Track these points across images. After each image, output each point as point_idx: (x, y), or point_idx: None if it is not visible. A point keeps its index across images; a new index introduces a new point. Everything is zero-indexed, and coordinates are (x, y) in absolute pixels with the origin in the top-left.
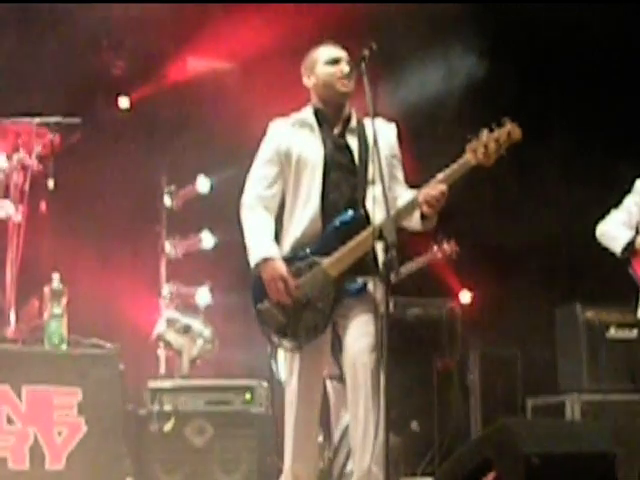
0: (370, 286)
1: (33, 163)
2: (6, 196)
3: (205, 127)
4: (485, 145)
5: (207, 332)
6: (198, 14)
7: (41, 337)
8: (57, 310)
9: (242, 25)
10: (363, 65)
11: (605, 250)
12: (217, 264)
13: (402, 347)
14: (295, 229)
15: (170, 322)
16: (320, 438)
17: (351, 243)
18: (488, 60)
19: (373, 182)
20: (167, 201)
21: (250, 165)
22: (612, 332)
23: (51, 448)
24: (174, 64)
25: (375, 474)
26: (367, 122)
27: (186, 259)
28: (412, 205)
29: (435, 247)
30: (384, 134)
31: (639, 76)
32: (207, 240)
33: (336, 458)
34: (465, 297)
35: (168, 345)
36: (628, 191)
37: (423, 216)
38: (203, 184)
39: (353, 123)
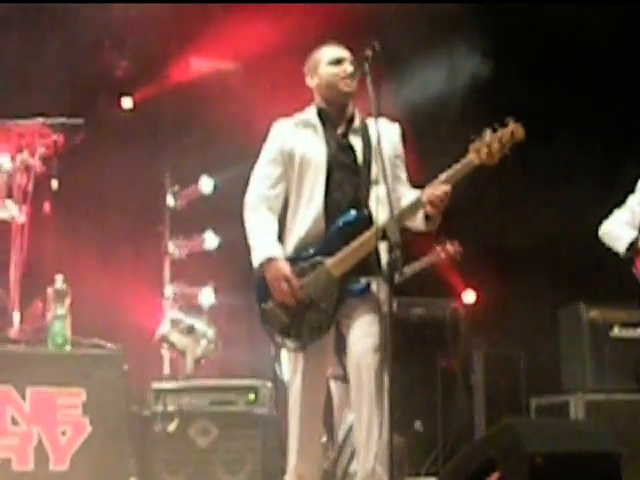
0: (373, 286)
1: (36, 164)
2: (10, 197)
3: (208, 127)
4: (488, 145)
5: (211, 332)
6: (201, 14)
7: (45, 338)
8: (61, 311)
9: (245, 25)
10: (366, 65)
11: (608, 250)
12: (221, 264)
13: (406, 347)
14: (298, 229)
15: (174, 322)
16: (324, 438)
17: (354, 243)
18: (491, 60)
19: (376, 182)
20: (170, 201)
21: (254, 165)
22: (616, 331)
23: (55, 449)
24: (177, 64)
25: (379, 474)
26: (370, 122)
27: (190, 259)
28: (416, 205)
29: (438, 247)
30: (387, 134)
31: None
32: (211, 240)
33: (340, 458)
34: (469, 297)
35: (172, 345)
36: (631, 191)
37: (427, 216)
38: (206, 184)
39: (356, 123)
